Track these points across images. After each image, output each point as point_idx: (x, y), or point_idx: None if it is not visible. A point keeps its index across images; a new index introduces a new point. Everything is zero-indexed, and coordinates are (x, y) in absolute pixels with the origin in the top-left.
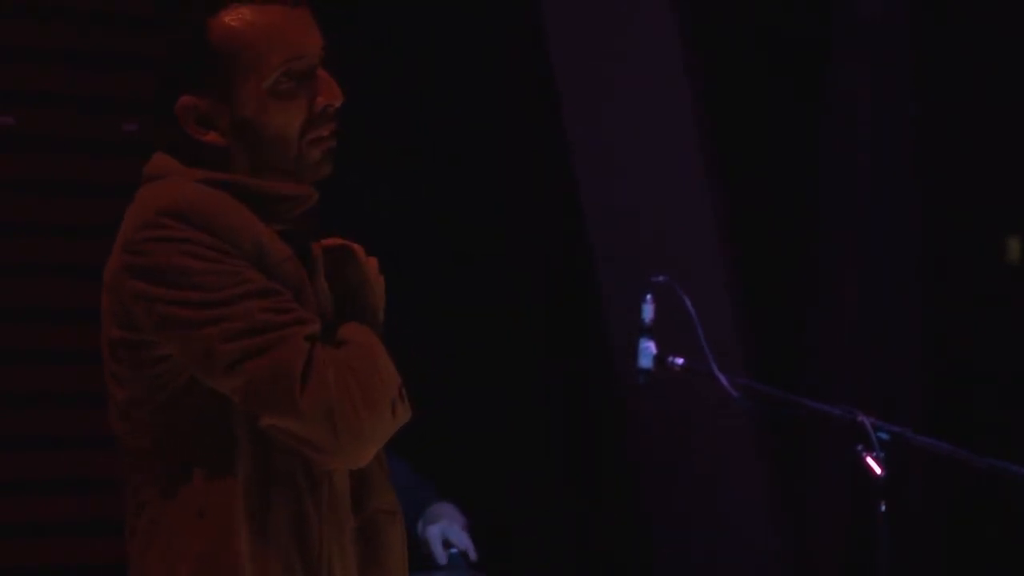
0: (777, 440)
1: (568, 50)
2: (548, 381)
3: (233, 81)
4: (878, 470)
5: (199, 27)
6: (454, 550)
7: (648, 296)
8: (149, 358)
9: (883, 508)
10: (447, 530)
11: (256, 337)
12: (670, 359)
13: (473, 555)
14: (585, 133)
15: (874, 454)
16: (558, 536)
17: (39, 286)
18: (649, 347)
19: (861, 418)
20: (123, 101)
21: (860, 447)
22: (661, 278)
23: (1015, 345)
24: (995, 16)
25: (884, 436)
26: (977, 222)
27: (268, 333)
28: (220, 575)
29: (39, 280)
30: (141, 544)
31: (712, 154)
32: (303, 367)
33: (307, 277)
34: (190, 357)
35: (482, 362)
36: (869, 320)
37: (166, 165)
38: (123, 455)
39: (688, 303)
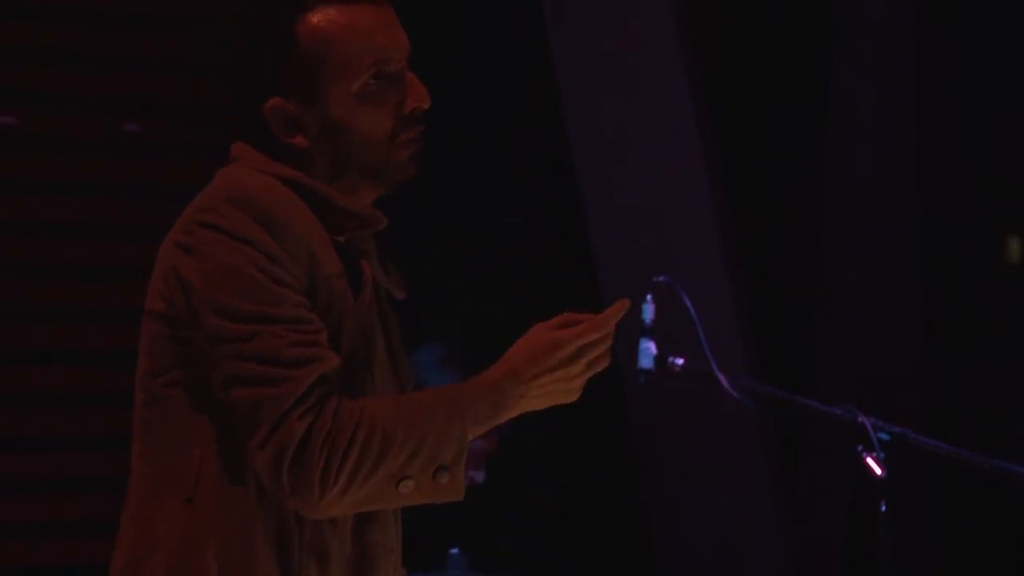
0: (777, 440)
1: (569, 50)
2: None
3: (321, 84)
4: (878, 470)
5: (286, 28)
6: (454, 550)
7: (648, 296)
8: (176, 336)
9: (883, 508)
10: None
11: (260, 366)
12: (670, 359)
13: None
14: (586, 133)
15: (874, 454)
16: (557, 536)
17: (39, 286)
18: (649, 347)
19: (861, 418)
20: (123, 101)
21: (860, 447)
22: (661, 278)
23: (1015, 345)
24: (995, 16)
25: (884, 436)
26: (977, 222)
27: (275, 367)
28: None
29: (39, 280)
30: (128, 518)
31: (712, 154)
32: (279, 415)
33: (352, 296)
34: (204, 353)
35: (482, 362)
36: (869, 320)
37: (247, 153)
38: (135, 431)
39: (688, 303)
